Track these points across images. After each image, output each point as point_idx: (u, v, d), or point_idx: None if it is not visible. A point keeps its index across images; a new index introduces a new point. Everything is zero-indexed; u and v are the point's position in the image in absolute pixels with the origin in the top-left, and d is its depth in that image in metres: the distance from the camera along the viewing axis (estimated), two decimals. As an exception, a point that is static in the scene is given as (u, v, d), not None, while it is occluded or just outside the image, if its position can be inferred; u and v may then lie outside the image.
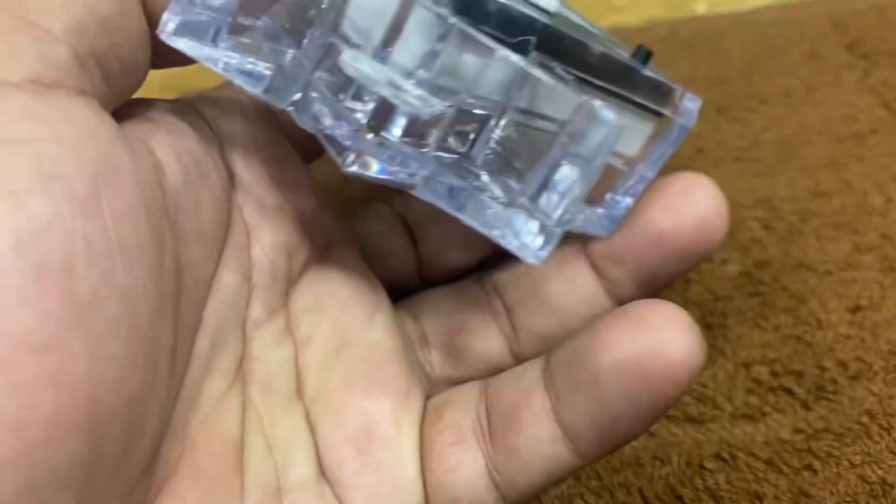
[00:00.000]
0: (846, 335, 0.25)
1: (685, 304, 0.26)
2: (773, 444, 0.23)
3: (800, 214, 0.28)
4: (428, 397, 0.19)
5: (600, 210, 0.20)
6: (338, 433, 0.18)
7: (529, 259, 0.15)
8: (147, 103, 0.17)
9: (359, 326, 0.19)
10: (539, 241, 0.15)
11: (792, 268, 0.27)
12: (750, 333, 0.25)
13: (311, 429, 0.18)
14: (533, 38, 0.16)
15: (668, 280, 0.20)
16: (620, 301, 0.20)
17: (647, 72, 0.19)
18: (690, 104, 0.20)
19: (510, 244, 0.15)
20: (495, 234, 0.16)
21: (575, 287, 0.21)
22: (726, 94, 0.33)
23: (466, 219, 0.16)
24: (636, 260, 0.20)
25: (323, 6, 0.15)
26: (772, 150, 0.31)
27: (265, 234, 0.18)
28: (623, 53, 0.19)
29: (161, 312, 0.14)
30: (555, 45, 0.16)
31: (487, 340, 0.21)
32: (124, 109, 0.16)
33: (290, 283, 0.19)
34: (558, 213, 0.15)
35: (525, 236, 0.15)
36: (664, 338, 0.16)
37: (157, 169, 0.15)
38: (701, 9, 0.37)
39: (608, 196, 0.20)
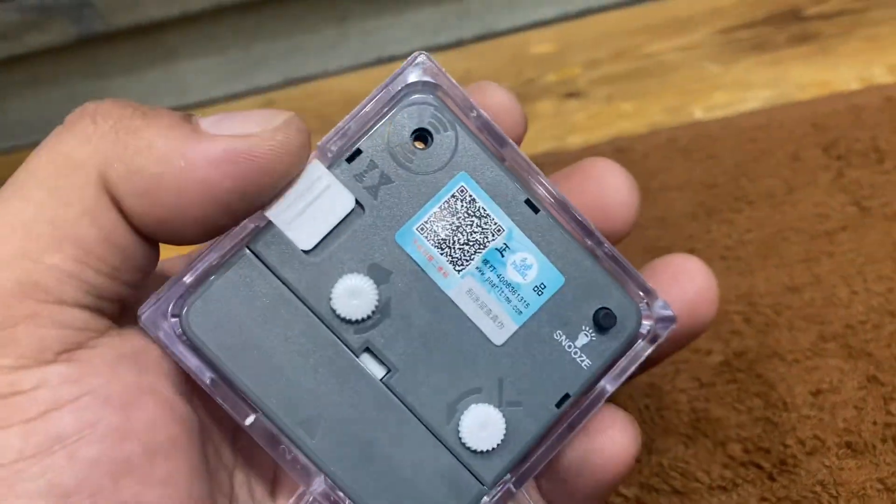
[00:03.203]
0: (807, 416, 0.30)
1: (675, 391, 0.32)
2: (742, 510, 0.29)
3: (775, 308, 0.34)
4: None
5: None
6: None
7: None
8: None
9: None
10: None
11: (766, 357, 0.33)
12: (727, 415, 0.31)
13: None
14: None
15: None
16: None
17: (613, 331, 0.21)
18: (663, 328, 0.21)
19: None
20: None
21: None
22: (716, 196, 0.39)
23: None
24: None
25: None
26: (754, 248, 0.36)
27: None
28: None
29: (199, 474, 0.19)
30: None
31: None
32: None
33: None
34: None
35: None
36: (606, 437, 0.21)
37: (168, 372, 0.19)
38: (698, 114, 0.43)
39: None
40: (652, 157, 0.41)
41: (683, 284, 0.22)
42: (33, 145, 0.52)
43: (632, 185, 0.23)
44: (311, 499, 0.19)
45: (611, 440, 0.22)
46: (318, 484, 0.19)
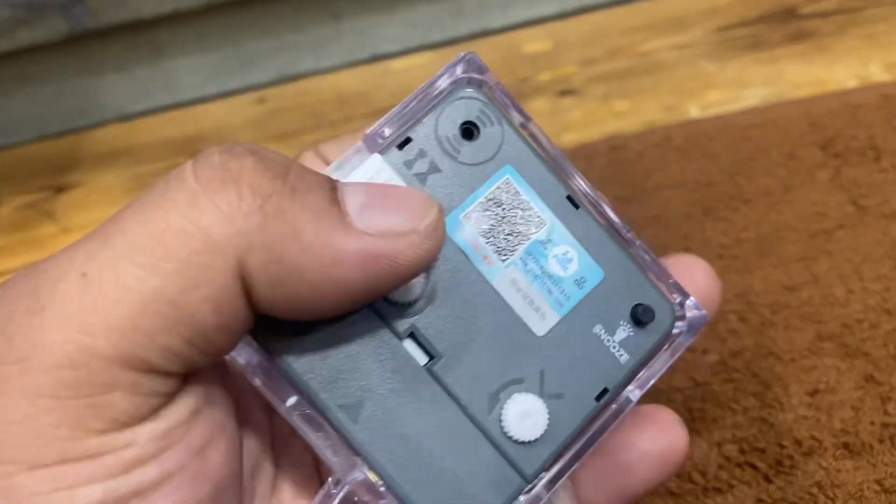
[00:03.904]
0: (804, 416, 0.30)
1: (670, 390, 0.32)
2: (738, 511, 0.28)
3: (772, 307, 0.34)
4: None
5: None
6: None
7: None
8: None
9: None
10: None
11: (762, 356, 0.32)
12: (723, 415, 0.31)
13: None
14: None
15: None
16: None
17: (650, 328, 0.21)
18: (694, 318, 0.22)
19: None
20: None
21: None
22: (713, 195, 0.39)
23: None
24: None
25: None
26: (751, 247, 0.36)
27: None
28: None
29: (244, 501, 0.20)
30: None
31: None
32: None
33: None
34: None
35: None
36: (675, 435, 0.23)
37: (229, 401, 0.19)
38: (694, 112, 0.43)
39: None
40: (647, 156, 0.41)
41: (689, 285, 0.23)
42: (23, 143, 0.51)
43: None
44: (348, 488, 0.19)
45: (667, 440, 0.23)
46: (358, 473, 0.19)
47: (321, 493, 0.19)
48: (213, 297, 0.16)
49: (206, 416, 0.18)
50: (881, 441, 0.29)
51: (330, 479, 0.19)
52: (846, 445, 0.29)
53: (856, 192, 0.38)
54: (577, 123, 0.44)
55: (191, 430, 0.17)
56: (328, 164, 0.21)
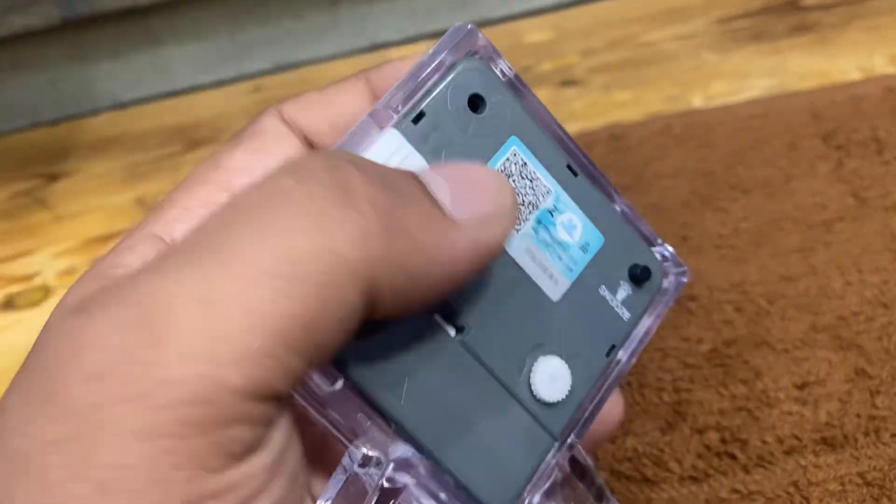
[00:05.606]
0: (788, 412, 0.31)
1: (659, 370, 0.33)
2: (712, 501, 0.29)
3: (767, 297, 0.35)
4: None
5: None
6: None
7: None
8: None
9: None
10: None
11: (755, 345, 0.33)
12: (710, 398, 0.32)
13: None
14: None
15: None
16: None
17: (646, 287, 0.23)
18: (680, 278, 0.24)
19: None
20: None
21: None
22: (712, 184, 0.40)
23: None
24: None
25: None
26: (749, 237, 0.37)
27: None
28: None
29: None
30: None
31: None
32: None
33: None
34: None
35: None
36: None
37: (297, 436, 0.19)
38: (697, 103, 0.44)
39: None
40: (647, 144, 0.42)
41: None
42: (16, 131, 0.53)
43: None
44: (392, 465, 0.19)
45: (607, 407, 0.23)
46: (403, 450, 0.19)
47: (339, 477, 0.19)
48: (344, 317, 0.16)
49: (296, 441, 0.18)
50: (866, 434, 0.30)
51: (344, 463, 0.19)
52: (829, 440, 0.30)
53: (857, 183, 0.39)
54: (580, 114, 0.45)
55: (288, 458, 0.17)
56: (289, 124, 0.22)
